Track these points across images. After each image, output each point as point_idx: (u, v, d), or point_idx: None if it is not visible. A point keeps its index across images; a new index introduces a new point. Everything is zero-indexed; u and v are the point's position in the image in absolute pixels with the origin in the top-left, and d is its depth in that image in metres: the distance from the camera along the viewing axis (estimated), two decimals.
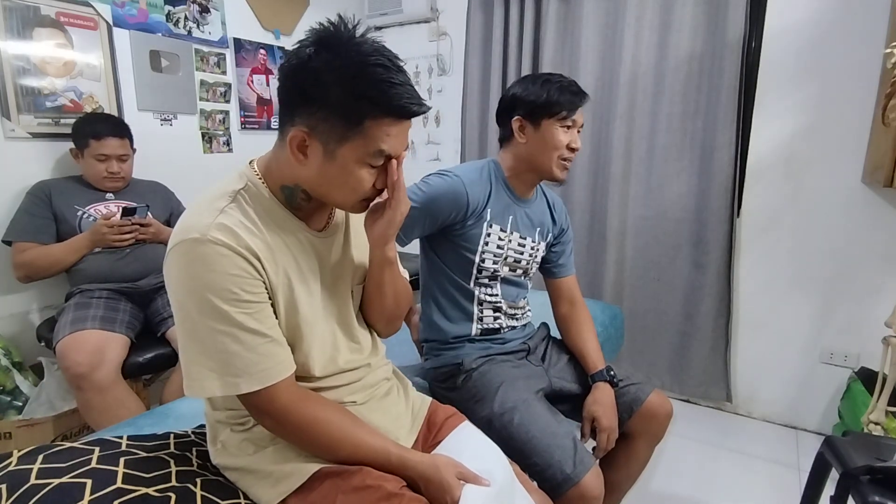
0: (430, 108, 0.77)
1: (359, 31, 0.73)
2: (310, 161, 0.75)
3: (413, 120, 0.77)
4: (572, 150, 1.22)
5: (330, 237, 0.87)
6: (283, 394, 0.76)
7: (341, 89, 0.70)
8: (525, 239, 1.29)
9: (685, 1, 2.11)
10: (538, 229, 1.33)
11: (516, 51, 2.53)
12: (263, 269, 0.75)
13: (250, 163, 0.82)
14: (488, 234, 1.23)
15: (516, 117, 1.22)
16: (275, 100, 2.64)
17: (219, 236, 0.70)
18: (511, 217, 1.26)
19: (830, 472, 1.07)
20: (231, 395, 0.75)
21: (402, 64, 0.74)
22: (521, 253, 1.29)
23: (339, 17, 0.73)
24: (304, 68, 0.71)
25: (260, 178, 0.80)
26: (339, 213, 0.91)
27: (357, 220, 0.93)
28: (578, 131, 1.23)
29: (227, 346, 0.71)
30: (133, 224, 1.77)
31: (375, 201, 0.83)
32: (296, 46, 0.73)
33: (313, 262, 0.83)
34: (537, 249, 1.33)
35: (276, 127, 0.80)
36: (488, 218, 1.23)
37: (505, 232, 1.25)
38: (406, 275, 1.00)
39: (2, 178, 1.77)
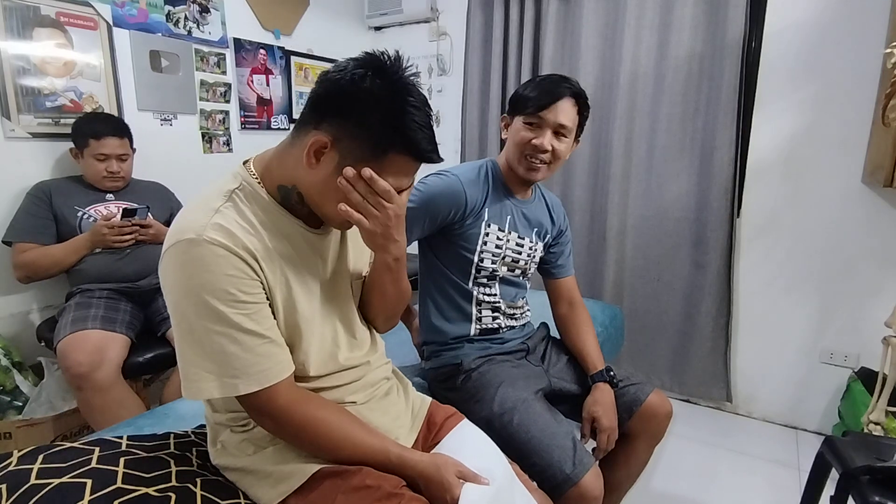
0: (442, 160, 0.79)
1: (408, 72, 0.75)
2: (319, 168, 0.75)
3: None
4: (537, 149, 1.18)
5: (327, 234, 0.87)
6: (282, 394, 0.76)
7: (381, 116, 0.72)
8: (523, 239, 1.29)
9: (685, 1, 2.11)
10: (536, 230, 1.33)
11: (516, 51, 2.53)
12: (261, 269, 0.75)
13: (244, 163, 0.82)
14: (486, 234, 1.23)
15: (503, 114, 1.26)
16: (275, 100, 2.65)
17: (215, 236, 0.70)
18: (509, 217, 1.27)
19: (830, 472, 1.07)
20: (229, 396, 0.75)
21: (430, 111, 0.77)
22: (519, 253, 1.29)
23: (397, 52, 0.76)
24: (354, 84, 0.72)
25: (255, 178, 0.79)
26: None
27: None
28: (558, 133, 1.19)
29: (225, 347, 0.71)
30: (133, 225, 1.77)
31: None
32: (348, 61, 0.74)
33: (311, 259, 0.83)
34: (535, 250, 1.33)
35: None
36: (486, 217, 1.23)
37: (503, 231, 1.26)
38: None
39: (2, 178, 1.77)
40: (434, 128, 0.78)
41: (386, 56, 0.74)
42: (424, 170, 1.28)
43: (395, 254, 0.85)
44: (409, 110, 0.72)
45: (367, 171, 0.73)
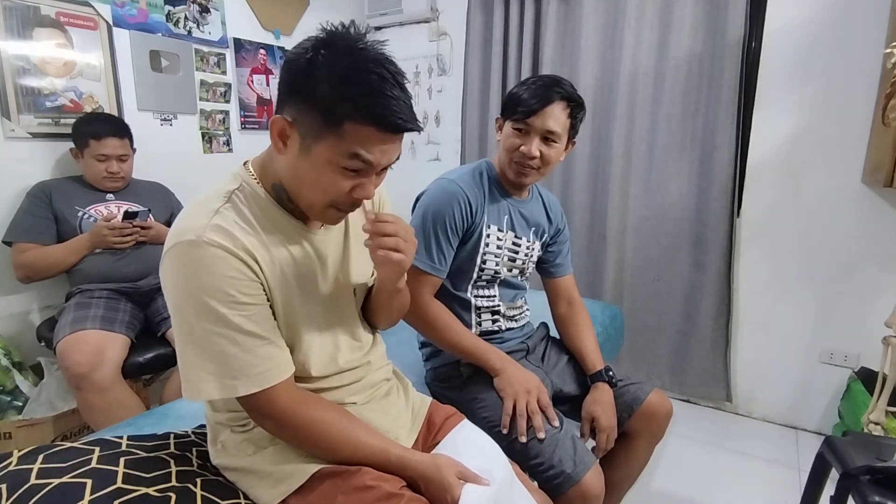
0: (421, 129, 0.75)
1: (367, 39, 0.73)
2: (288, 152, 0.74)
3: None
4: (525, 156, 1.17)
5: (328, 235, 0.87)
6: (282, 396, 0.75)
7: (328, 86, 0.69)
8: (520, 238, 1.29)
9: (685, 1, 2.11)
10: (533, 229, 1.33)
11: (516, 51, 2.53)
12: (260, 269, 0.75)
13: (245, 164, 0.82)
14: (488, 235, 1.23)
15: (498, 116, 1.25)
16: (275, 100, 2.64)
17: (214, 238, 0.70)
18: (506, 217, 1.27)
19: (830, 472, 1.07)
20: (229, 397, 0.74)
21: (404, 81, 0.72)
22: (517, 252, 1.29)
23: (352, 22, 0.73)
24: (300, 61, 0.71)
25: (254, 178, 0.79)
26: None
27: (357, 217, 0.92)
28: (547, 138, 1.17)
29: (225, 349, 0.71)
30: (134, 227, 1.77)
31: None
32: (303, 41, 0.73)
33: (311, 260, 0.83)
34: (532, 249, 1.33)
35: None
36: (486, 219, 1.23)
37: (502, 231, 1.26)
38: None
39: (2, 178, 1.77)
40: (403, 94, 0.71)
41: (339, 27, 0.72)
42: (426, 168, 1.28)
43: (402, 284, 0.90)
44: (362, 76, 0.68)
45: (371, 214, 0.77)
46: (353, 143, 0.70)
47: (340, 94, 0.68)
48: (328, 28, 0.72)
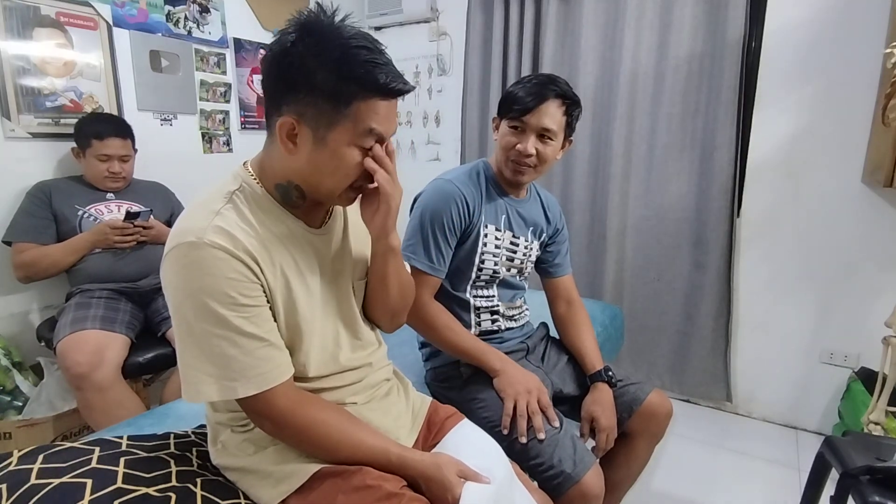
0: (413, 88, 0.78)
1: (338, 18, 0.74)
2: (300, 149, 0.74)
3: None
4: (521, 154, 1.17)
5: (328, 233, 0.87)
6: (282, 397, 0.75)
7: (327, 72, 0.70)
8: (518, 238, 1.29)
9: (685, 1, 2.11)
10: (531, 228, 1.33)
11: (516, 51, 2.53)
12: (261, 271, 0.75)
13: (244, 164, 0.82)
14: (485, 235, 1.24)
15: (495, 116, 1.26)
16: None
17: (215, 239, 0.70)
18: (504, 216, 1.27)
19: (830, 472, 1.07)
20: (229, 399, 0.74)
21: (382, 47, 0.75)
22: (514, 252, 1.29)
23: (318, 4, 0.74)
24: (287, 55, 0.71)
25: (254, 178, 0.79)
26: (338, 208, 0.91)
27: (356, 214, 0.92)
28: (543, 136, 1.18)
29: (225, 350, 0.71)
30: (136, 227, 1.77)
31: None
32: (277, 35, 0.73)
33: (312, 259, 0.83)
34: (530, 248, 1.33)
35: None
36: (484, 219, 1.23)
37: (500, 231, 1.26)
38: (408, 266, 1.00)
39: (2, 178, 1.77)
40: (388, 59, 0.74)
41: (310, 13, 0.73)
42: (426, 168, 1.28)
43: (395, 241, 0.88)
44: (352, 52, 0.70)
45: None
46: (365, 119, 0.73)
47: (342, 77, 0.70)
48: (299, 17, 0.73)
